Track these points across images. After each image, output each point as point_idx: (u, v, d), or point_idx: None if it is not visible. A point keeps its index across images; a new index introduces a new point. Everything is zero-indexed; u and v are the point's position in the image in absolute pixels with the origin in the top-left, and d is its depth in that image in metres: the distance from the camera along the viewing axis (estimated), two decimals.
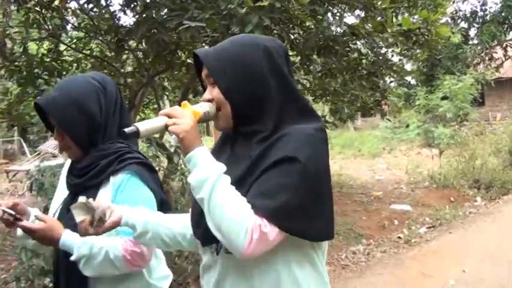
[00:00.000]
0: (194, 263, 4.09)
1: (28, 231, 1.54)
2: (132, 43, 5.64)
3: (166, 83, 8.54)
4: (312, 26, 5.04)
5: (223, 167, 1.22)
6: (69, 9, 5.58)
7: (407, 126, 15.47)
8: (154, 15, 4.47)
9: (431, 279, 4.62)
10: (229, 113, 1.31)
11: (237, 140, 1.35)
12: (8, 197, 10.27)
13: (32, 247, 3.39)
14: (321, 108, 10.94)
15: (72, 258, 1.51)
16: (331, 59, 5.98)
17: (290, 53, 7.42)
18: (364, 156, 14.96)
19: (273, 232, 1.16)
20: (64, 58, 6.26)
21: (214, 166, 1.21)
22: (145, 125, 1.25)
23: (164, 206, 1.66)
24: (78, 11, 5.68)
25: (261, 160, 1.22)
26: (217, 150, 1.39)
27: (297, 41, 5.45)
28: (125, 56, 6.51)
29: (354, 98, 7.90)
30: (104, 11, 5.36)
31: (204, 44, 6.44)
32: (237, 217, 1.15)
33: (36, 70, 5.81)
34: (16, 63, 5.68)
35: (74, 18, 6.10)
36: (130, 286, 1.65)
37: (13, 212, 1.55)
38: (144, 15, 4.46)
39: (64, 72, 6.02)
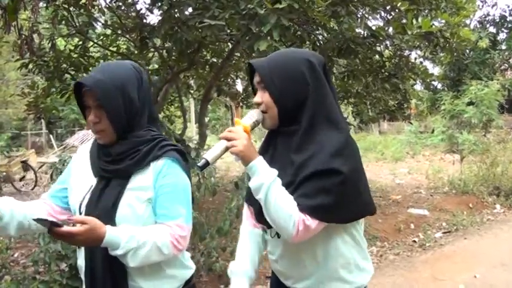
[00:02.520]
0: (207, 256, 4.20)
1: (69, 236, 1.43)
2: (157, 41, 5.78)
3: (191, 81, 8.69)
4: (335, 27, 5.08)
5: (275, 173, 1.54)
6: (96, 7, 5.75)
7: (433, 131, 15.31)
8: (177, 14, 4.59)
9: (442, 283, 4.61)
10: (276, 114, 1.60)
11: (278, 138, 1.65)
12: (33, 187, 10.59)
13: None
14: (343, 111, 10.91)
15: (119, 252, 1.49)
16: (353, 60, 6.00)
17: None
18: (387, 160, 14.82)
19: (313, 224, 1.49)
20: (91, 54, 6.46)
21: (268, 173, 1.53)
22: (212, 154, 1.57)
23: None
24: (105, 9, 5.85)
25: (303, 168, 1.52)
26: (264, 148, 1.71)
27: (319, 42, 5.49)
28: (150, 54, 6.66)
29: (376, 101, 7.88)
30: (130, 9, 5.52)
31: (228, 44, 6.57)
32: (286, 213, 1.49)
33: (63, 65, 6.01)
34: (44, 58, 5.89)
35: (101, 16, 6.29)
36: (172, 272, 1.70)
37: (51, 219, 1.50)
38: (167, 14, 4.58)
39: (90, 68, 6.20)
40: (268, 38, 3.97)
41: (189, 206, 1.65)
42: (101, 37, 6.61)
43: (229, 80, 8.76)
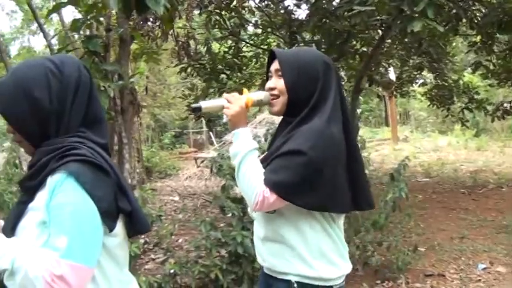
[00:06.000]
0: (362, 249, 4.08)
1: None
2: (306, 35, 5.83)
3: (342, 73, 8.60)
4: (493, 1, 4.56)
5: (254, 145, 1.66)
6: (246, 8, 6.01)
7: None
8: (325, 6, 4.56)
9: None
10: (286, 102, 1.69)
11: (281, 125, 1.76)
12: (195, 180, 11.55)
13: (211, 220, 3.87)
14: (505, 94, 9.73)
15: None
16: None
17: (469, 33, 6.81)
18: None
19: (272, 197, 1.57)
20: (244, 54, 6.79)
21: (247, 143, 1.65)
22: (208, 104, 1.69)
23: (107, 217, 1.31)
24: (254, 9, 6.09)
25: (278, 149, 1.63)
26: (276, 132, 1.82)
27: (476, 18, 4.98)
28: None
29: None
30: (278, 7, 5.67)
31: (377, 31, 6.33)
32: (252, 183, 1.60)
33: (218, 66, 6.43)
34: (200, 61, 6.36)
35: (251, 16, 6.57)
36: None
37: None
38: (315, 7, 4.58)
39: (244, 67, 6.52)
40: (423, 18, 3.72)
41: (75, 237, 1.24)
42: (252, 37, 6.90)
43: (381, 68, 8.43)
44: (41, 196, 1.30)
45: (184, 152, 16.30)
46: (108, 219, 1.31)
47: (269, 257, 1.73)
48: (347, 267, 1.75)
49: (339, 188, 1.64)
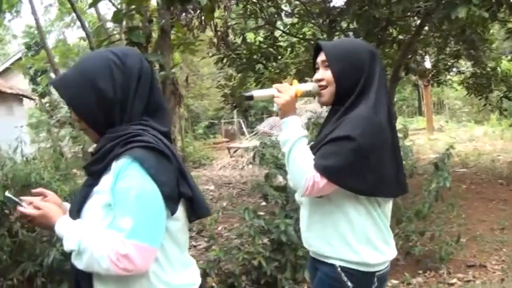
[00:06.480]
0: (404, 239, 4.06)
1: (25, 217, 1.47)
2: (343, 24, 5.78)
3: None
4: None
5: (303, 132, 1.73)
6: None
7: None
8: None
9: None
10: (334, 91, 1.75)
11: (328, 116, 1.83)
12: (229, 169, 11.65)
13: (253, 207, 3.91)
14: None
15: (64, 248, 1.37)
16: None
17: (507, 19, 6.59)
18: None
19: (322, 182, 1.62)
20: (279, 44, 6.78)
21: (297, 131, 1.72)
22: (259, 93, 1.82)
23: (170, 201, 1.35)
24: None
25: (327, 136, 1.69)
26: (324, 121, 1.89)
27: None
28: (335, 38, 6.70)
29: None
30: None
31: (415, 19, 6.22)
32: (302, 168, 1.66)
33: (254, 57, 6.44)
34: (237, 51, 6.39)
35: (288, 6, 6.54)
36: None
37: (15, 199, 1.46)
38: None
39: (279, 57, 6.52)
40: (466, 4, 3.65)
41: (140, 219, 1.30)
42: (288, 26, 6.88)
43: (417, 57, 8.28)
44: (106, 180, 1.36)
45: (217, 142, 16.44)
46: (171, 203, 1.36)
47: (314, 241, 1.80)
48: (391, 253, 1.78)
49: (386, 173, 1.69)
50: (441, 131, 16.82)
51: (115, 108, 1.40)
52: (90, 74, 1.40)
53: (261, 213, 4.24)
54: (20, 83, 14.54)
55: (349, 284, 1.70)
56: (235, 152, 13.21)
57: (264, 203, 4.81)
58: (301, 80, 7.17)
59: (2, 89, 10.32)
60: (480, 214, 5.89)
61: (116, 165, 1.34)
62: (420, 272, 4.09)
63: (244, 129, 18.52)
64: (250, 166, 10.02)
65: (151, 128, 1.42)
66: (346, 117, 1.68)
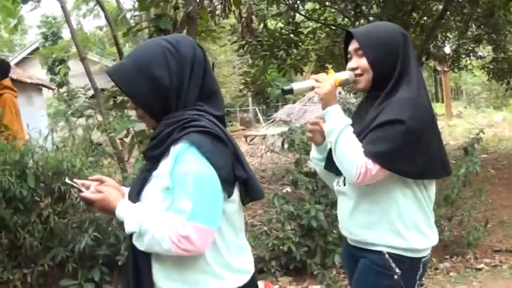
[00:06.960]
0: None
1: (88, 202, 1.51)
2: (365, 9, 5.72)
3: None
4: None
5: (348, 121, 1.70)
6: None
7: None
8: None
9: None
10: (371, 78, 1.73)
11: (368, 101, 1.81)
12: (248, 157, 11.67)
13: (282, 194, 3.93)
14: None
15: (126, 231, 1.41)
16: None
17: None
18: None
19: (374, 169, 1.61)
20: (300, 30, 6.74)
21: (342, 119, 1.70)
22: (298, 85, 1.79)
23: (226, 183, 1.38)
24: None
25: (373, 121, 1.67)
26: (358, 107, 1.92)
27: None
28: (357, 23, 6.65)
29: None
30: None
31: (436, 3, 6.15)
32: (352, 157, 1.63)
33: (276, 43, 6.41)
34: (258, 38, 6.37)
35: None
36: (197, 279, 1.42)
37: (76, 185, 1.50)
38: None
39: (300, 43, 6.49)
40: None
41: (199, 201, 1.33)
42: (310, 12, 6.83)
43: (438, 41, 8.18)
44: (165, 164, 1.40)
45: (234, 130, 16.50)
46: (228, 186, 1.38)
47: (358, 229, 1.76)
48: (435, 238, 1.77)
49: (434, 155, 1.68)
50: (460, 117, 16.64)
51: (171, 96, 1.43)
52: (146, 62, 1.42)
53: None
54: (37, 73, 14.66)
55: (397, 270, 1.69)
56: (252, 140, 13.24)
57: (287, 189, 4.83)
58: (322, 67, 7.17)
59: (22, 79, 10.41)
60: (503, 199, 5.84)
61: (174, 150, 1.37)
62: (447, 257, 4.09)
63: (260, 117, 18.52)
64: (269, 154, 10.05)
65: (206, 112, 1.44)
66: (389, 101, 1.66)
